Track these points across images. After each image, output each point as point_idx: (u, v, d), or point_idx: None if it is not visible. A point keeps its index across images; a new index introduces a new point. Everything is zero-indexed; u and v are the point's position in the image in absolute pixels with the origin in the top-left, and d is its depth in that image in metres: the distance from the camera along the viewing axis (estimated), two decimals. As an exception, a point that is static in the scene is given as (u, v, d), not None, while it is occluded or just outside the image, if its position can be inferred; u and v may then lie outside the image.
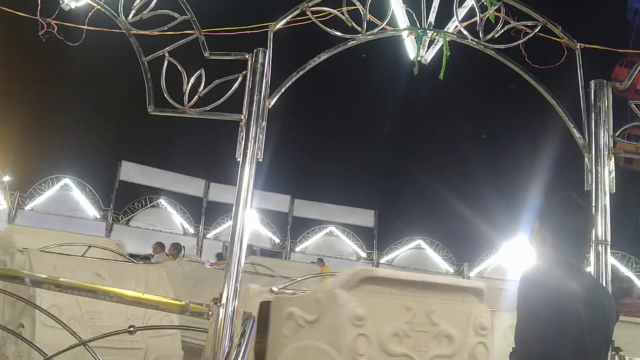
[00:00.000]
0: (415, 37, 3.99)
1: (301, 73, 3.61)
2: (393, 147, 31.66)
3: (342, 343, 3.14)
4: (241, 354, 2.85)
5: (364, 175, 29.27)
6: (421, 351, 3.32)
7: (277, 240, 24.38)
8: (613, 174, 3.50)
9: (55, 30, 3.96)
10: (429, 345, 3.37)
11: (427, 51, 4.02)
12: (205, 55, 3.56)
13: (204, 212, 23.16)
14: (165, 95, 3.51)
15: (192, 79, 3.52)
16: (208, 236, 23.20)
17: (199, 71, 3.53)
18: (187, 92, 3.51)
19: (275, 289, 4.13)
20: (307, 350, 3.34)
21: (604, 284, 3.26)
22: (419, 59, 4.00)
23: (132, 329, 3.00)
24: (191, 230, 23.17)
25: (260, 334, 3.47)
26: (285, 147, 22.48)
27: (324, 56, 3.69)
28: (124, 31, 3.65)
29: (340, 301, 3.22)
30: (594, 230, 3.35)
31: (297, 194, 24.87)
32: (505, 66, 3.80)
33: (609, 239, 3.40)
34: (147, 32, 3.66)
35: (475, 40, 3.79)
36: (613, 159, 3.53)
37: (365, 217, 25.10)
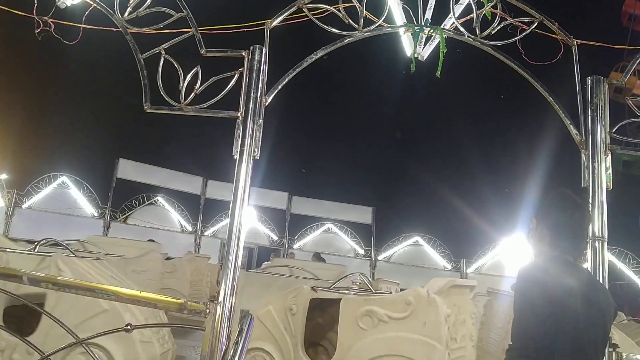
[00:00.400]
0: (412, 34, 3.99)
1: (298, 70, 3.60)
2: (391, 145, 31.75)
3: (442, 335, 4.31)
4: (239, 352, 2.85)
5: (361, 172, 29.34)
6: (457, 334, 4.89)
7: (275, 238, 24.40)
8: (610, 170, 3.50)
9: (52, 28, 3.95)
10: (457, 329, 4.86)
11: (424, 48, 4.02)
12: (202, 52, 3.54)
13: (201, 209, 23.16)
14: (162, 93, 3.50)
15: (189, 77, 3.51)
16: (206, 233, 23.20)
17: (195, 68, 3.52)
18: (184, 89, 3.50)
19: (317, 288, 5.26)
20: (395, 340, 4.42)
21: (601, 281, 3.26)
22: (415, 55, 4.00)
23: (129, 327, 3.00)
24: (189, 228, 23.17)
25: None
26: (282, 144, 22.50)
27: (320, 53, 3.68)
28: (120, 29, 3.64)
29: (438, 304, 4.39)
30: (590, 227, 3.35)
31: (295, 191, 24.90)
32: (502, 63, 3.80)
33: (605, 235, 3.40)
34: (143, 30, 3.65)
35: (472, 37, 3.79)
36: (610, 155, 3.53)
37: (363, 214, 25.12)
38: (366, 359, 4.45)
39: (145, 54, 3.59)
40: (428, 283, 4.96)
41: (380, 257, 24.45)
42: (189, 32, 3.60)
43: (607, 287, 3.19)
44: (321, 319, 5.58)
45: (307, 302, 5.08)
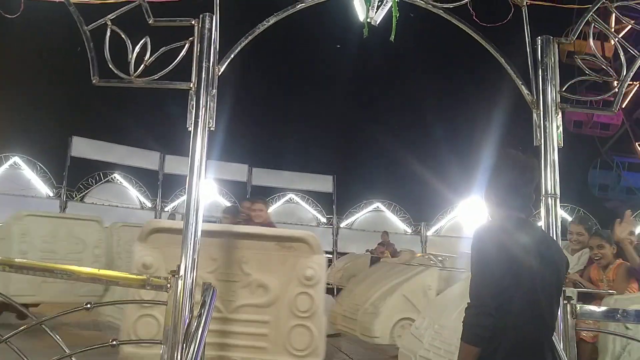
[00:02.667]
0: (364, -1, 3.95)
1: (250, 38, 3.53)
2: (348, 111, 31.75)
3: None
4: (202, 324, 2.85)
5: (320, 140, 29.32)
6: (228, 300, 3.47)
7: (237, 210, 24.26)
8: (560, 129, 3.57)
9: (-10, 1, 3.77)
10: (237, 294, 3.53)
11: (376, 12, 3.98)
12: (150, 22, 3.44)
13: (160, 185, 22.82)
14: (110, 66, 3.39)
15: (137, 48, 3.40)
16: (166, 209, 22.95)
17: (144, 39, 3.41)
18: (133, 61, 3.39)
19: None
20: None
21: (554, 237, 3.36)
22: (368, 20, 3.97)
23: (88, 306, 2.96)
24: (148, 204, 22.87)
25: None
26: (239, 115, 22.27)
27: (272, 20, 3.61)
28: (63, 0, 3.50)
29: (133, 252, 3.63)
30: (543, 184, 3.43)
31: (255, 162, 24.75)
32: (457, 26, 3.80)
33: (558, 192, 3.48)
34: (87, 0, 3.52)
35: (424, 0, 3.78)
36: (560, 113, 3.60)
37: (324, 183, 25.19)
38: None
39: (91, 25, 3.46)
40: None
41: (342, 225, 24.68)
42: (136, 1, 3.48)
43: (560, 242, 3.29)
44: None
45: None
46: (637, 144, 30.35)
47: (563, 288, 2.80)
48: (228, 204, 23.92)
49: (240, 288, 3.48)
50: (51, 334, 3.03)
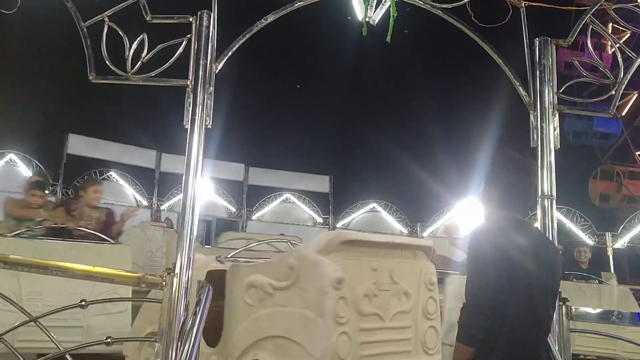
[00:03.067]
0: (362, -2, 3.95)
1: (248, 35, 3.52)
2: (346, 112, 31.75)
3: (325, 307, 3.13)
4: (197, 322, 2.85)
5: (317, 140, 29.33)
6: (386, 309, 3.44)
7: (233, 210, 24.26)
8: (557, 130, 3.58)
9: (-14, -2, 3.76)
10: (391, 303, 3.48)
11: (375, 11, 3.98)
12: (147, 19, 3.42)
13: (156, 183, 22.75)
14: (107, 62, 3.38)
15: (135, 45, 3.39)
16: (162, 208, 22.88)
17: (141, 36, 3.40)
18: (130, 58, 3.38)
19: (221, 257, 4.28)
20: (280, 315, 3.32)
21: (551, 238, 3.36)
22: (367, 19, 3.96)
23: (83, 303, 2.95)
24: (144, 203, 22.81)
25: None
26: (237, 115, 22.25)
27: (270, 18, 3.61)
28: (60, -5, 3.48)
29: (321, 266, 3.21)
30: (539, 186, 3.44)
31: (252, 162, 24.73)
32: (454, 26, 3.81)
33: (554, 193, 3.49)
34: (84, -4, 3.50)
35: (422, 0, 3.78)
36: (557, 115, 3.61)
37: (321, 183, 25.19)
38: (244, 347, 3.42)
39: (88, 22, 3.45)
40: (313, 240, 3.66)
41: (338, 225, 24.65)
42: (134, -3, 3.47)
43: (556, 244, 3.29)
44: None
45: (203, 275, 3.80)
46: (637, 153, 30.45)
47: (559, 289, 2.80)
48: (225, 203, 23.95)
49: (392, 297, 3.49)
50: (44, 330, 3.02)
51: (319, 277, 3.19)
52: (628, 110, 29.04)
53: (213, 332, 3.59)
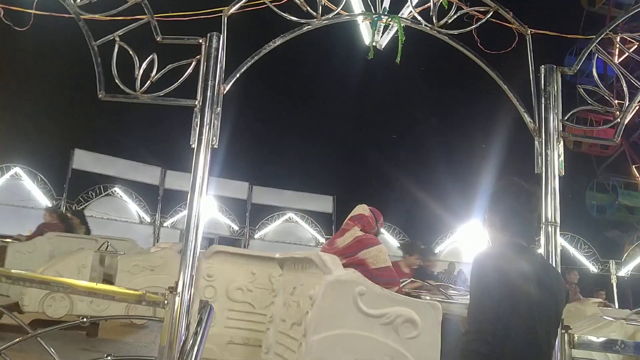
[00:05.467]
0: (370, 23, 3.99)
1: (256, 58, 3.56)
2: (350, 134, 31.90)
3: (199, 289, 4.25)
4: (198, 342, 2.83)
5: (322, 161, 29.43)
6: (260, 301, 4.52)
7: (236, 228, 24.26)
8: (562, 157, 3.59)
9: (1, 14, 3.81)
10: (265, 298, 4.46)
11: (382, 36, 4.03)
12: (158, 39, 3.47)
13: (160, 200, 22.83)
14: (117, 81, 3.42)
15: (144, 64, 3.44)
16: (165, 224, 22.91)
17: (151, 56, 3.45)
18: (139, 77, 3.42)
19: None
20: None
21: (554, 264, 3.35)
22: (374, 44, 4.01)
23: (84, 320, 2.95)
24: (147, 219, 22.83)
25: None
26: (242, 133, 22.39)
27: (278, 41, 3.65)
28: (73, 15, 3.54)
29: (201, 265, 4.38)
30: (543, 212, 3.44)
31: (256, 180, 24.79)
32: (459, 52, 3.84)
33: (558, 220, 3.49)
34: (96, 16, 3.55)
35: (429, 25, 3.81)
36: (562, 142, 3.62)
37: (324, 203, 25.21)
38: None
39: (99, 41, 3.50)
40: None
41: (341, 246, 24.55)
42: (145, 18, 3.52)
43: (559, 270, 3.28)
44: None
45: None
46: (633, 166, 30.35)
47: (562, 317, 2.78)
48: (228, 221, 23.94)
49: (268, 294, 4.51)
50: (45, 346, 3.02)
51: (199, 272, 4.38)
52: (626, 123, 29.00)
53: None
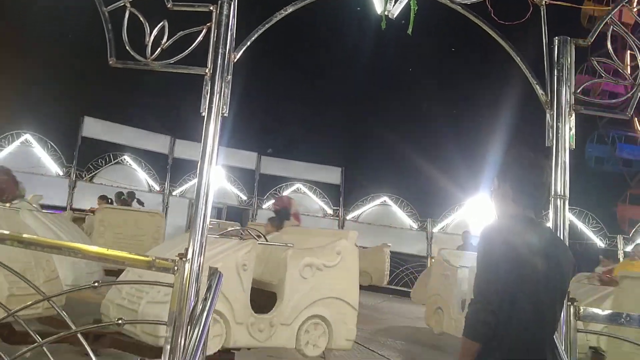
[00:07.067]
0: (382, -10, 3.94)
1: (267, 26, 3.53)
2: (359, 105, 31.74)
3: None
4: (207, 308, 2.88)
5: (330, 132, 29.36)
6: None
7: (244, 198, 24.38)
8: (573, 131, 3.56)
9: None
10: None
11: (394, 5, 3.97)
12: (169, 6, 3.45)
13: (169, 169, 22.90)
14: (127, 47, 3.40)
15: (155, 31, 3.41)
16: (174, 193, 23.04)
17: (161, 22, 3.42)
18: (150, 44, 3.41)
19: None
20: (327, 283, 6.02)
21: (562, 238, 3.35)
22: (386, 13, 3.96)
23: (96, 284, 2.99)
24: (157, 188, 22.97)
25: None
26: (251, 103, 22.34)
27: (290, 9, 3.62)
28: (82, -20, 3.51)
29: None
30: (552, 185, 3.43)
31: (264, 150, 24.81)
32: (470, 23, 3.79)
33: (567, 193, 3.47)
34: (106, -18, 3.52)
35: (442, -5, 3.76)
36: (574, 115, 3.59)
37: (332, 174, 25.22)
38: (308, 303, 5.80)
39: (110, 6, 3.48)
40: (348, 235, 6.32)
41: (348, 217, 24.69)
42: (155, -16, 3.49)
43: (567, 243, 3.28)
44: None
45: (255, 256, 5.67)
46: (636, 119, 29.83)
47: (568, 290, 2.80)
48: (236, 191, 24.05)
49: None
50: (57, 309, 3.07)
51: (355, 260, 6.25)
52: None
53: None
